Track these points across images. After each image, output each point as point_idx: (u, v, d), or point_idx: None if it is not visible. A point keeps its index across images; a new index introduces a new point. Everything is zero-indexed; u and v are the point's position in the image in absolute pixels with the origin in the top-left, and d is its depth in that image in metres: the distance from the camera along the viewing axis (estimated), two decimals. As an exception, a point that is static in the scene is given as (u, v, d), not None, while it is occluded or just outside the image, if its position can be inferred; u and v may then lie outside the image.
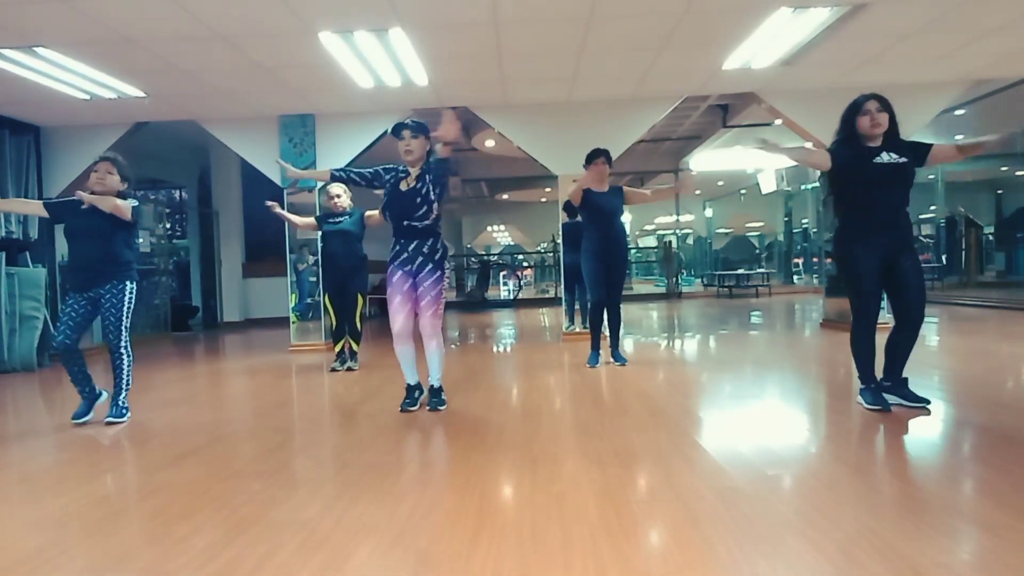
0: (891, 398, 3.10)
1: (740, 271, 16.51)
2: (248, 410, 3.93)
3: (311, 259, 6.73)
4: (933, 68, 5.78)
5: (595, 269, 4.60)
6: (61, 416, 3.67)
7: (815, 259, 15.68)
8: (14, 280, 5.87)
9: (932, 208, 12.84)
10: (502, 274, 18.37)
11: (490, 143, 10.66)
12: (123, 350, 3.46)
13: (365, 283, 5.19)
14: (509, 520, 1.90)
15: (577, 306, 6.62)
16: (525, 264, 20.44)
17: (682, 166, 13.05)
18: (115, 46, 4.56)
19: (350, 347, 5.12)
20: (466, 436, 2.93)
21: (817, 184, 10.56)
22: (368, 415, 3.47)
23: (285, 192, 6.55)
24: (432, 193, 3.29)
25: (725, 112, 9.68)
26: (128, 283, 3.46)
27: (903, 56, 5.44)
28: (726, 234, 22.82)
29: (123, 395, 3.50)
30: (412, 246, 3.36)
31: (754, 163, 13.02)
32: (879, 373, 3.15)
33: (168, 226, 10.79)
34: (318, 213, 5.46)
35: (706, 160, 12.40)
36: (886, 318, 3.17)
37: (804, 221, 17.80)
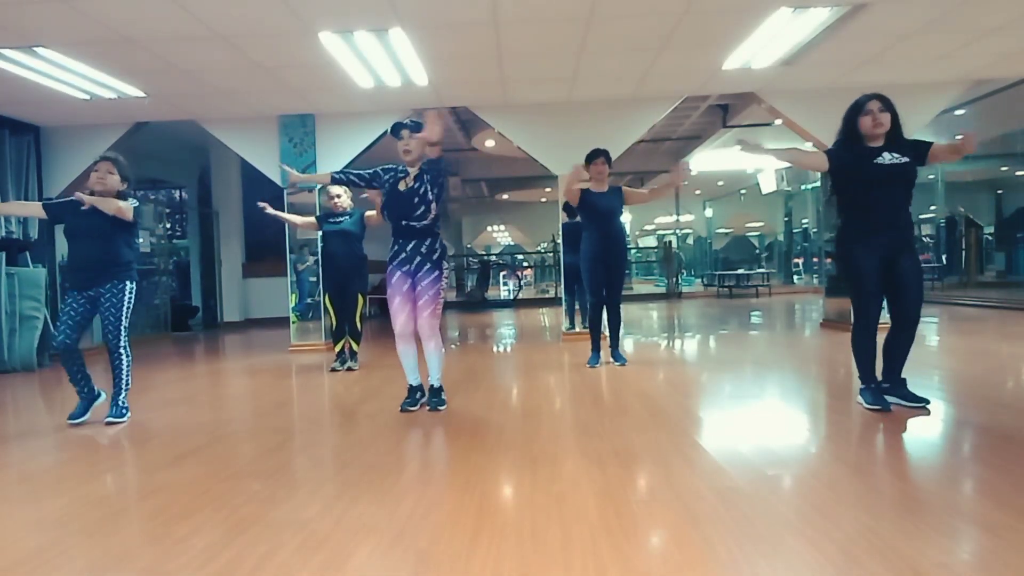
0: (891, 398, 3.10)
1: (740, 271, 16.51)
2: (248, 410, 3.93)
3: (311, 259, 6.73)
4: (933, 68, 5.78)
5: (594, 270, 4.60)
6: (61, 416, 3.67)
7: (815, 259, 15.68)
8: (14, 280, 5.87)
9: (932, 208, 12.83)
10: (502, 274, 18.37)
11: (490, 143, 10.65)
12: (122, 350, 3.46)
13: (365, 283, 5.19)
14: (509, 520, 1.90)
15: (577, 306, 6.62)
16: (525, 264, 20.45)
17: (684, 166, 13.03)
18: (115, 46, 4.56)
19: (350, 347, 5.12)
20: (466, 436, 2.93)
21: (817, 184, 10.56)
22: (368, 415, 3.47)
23: (285, 192, 6.55)
24: (430, 193, 3.30)
25: (725, 112, 9.68)
26: (128, 283, 3.46)
27: (903, 56, 5.44)
28: (726, 234, 22.82)
29: (123, 395, 3.50)
30: (410, 246, 3.36)
31: (754, 163, 13.02)
32: (879, 374, 3.15)
33: (168, 226, 10.79)
34: (318, 213, 5.46)
35: (706, 160, 12.41)
36: (886, 318, 3.17)
37: (804, 221, 17.79)
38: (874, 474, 2.22)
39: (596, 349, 4.77)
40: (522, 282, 17.83)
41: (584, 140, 5.51)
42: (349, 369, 5.03)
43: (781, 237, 19.30)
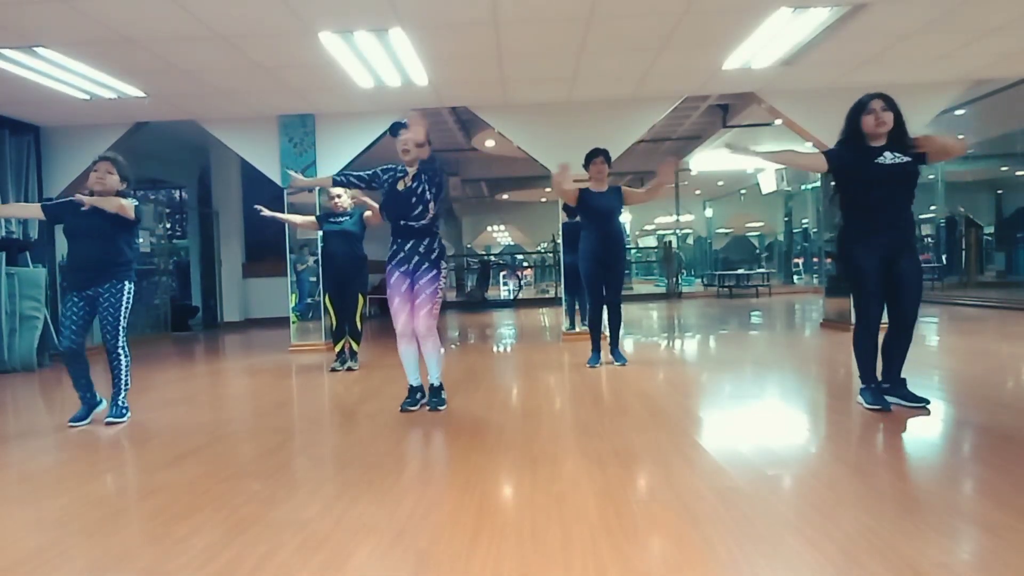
0: (891, 398, 3.10)
1: (740, 271, 16.51)
2: (248, 410, 3.93)
3: (311, 259, 6.73)
4: (933, 68, 5.78)
5: (592, 269, 4.60)
6: (61, 416, 3.67)
7: (815, 259, 15.68)
8: (14, 280, 5.88)
9: (932, 208, 12.83)
10: (502, 274, 18.38)
11: (490, 143, 10.66)
12: (120, 350, 3.46)
13: (365, 283, 5.19)
14: (509, 520, 1.90)
15: (577, 306, 6.62)
16: (525, 264, 20.45)
17: (682, 165, 13.06)
18: (115, 46, 4.56)
19: (350, 347, 5.12)
20: (466, 436, 2.93)
21: (818, 184, 10.55)
22: (368, 415, 3.47)
23: (285, 192, 6.56)
24: (428, 193, 3.29)
25: (725, 112, 9.68)
26: (126, 283, 3.45)
27: (903, 56, 5.44)
28: (726, 234, 22.83)
29: (122, 395, 3.50)
30: (409, 246, 3.36)
31: (754, 163, 13.03)
32: (879, 374, 3.15)
33: (168, 226, 10.79)
34: (318, 213, 5.46)
35: (706, 160, 12.41)
36: (886, 318, 3.17)
37: (804, 221, 17.80)
38: (874, 474, 2.21)
39: (596, 349, 4.77)
40: (522, 282, 17.83)
41: (584, 140, 5.51)
42: (349, 369, 5.03)
43: (781, 237, 19.31)
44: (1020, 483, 2.06)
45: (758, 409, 3.36)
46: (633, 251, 19.60)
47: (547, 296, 15.31)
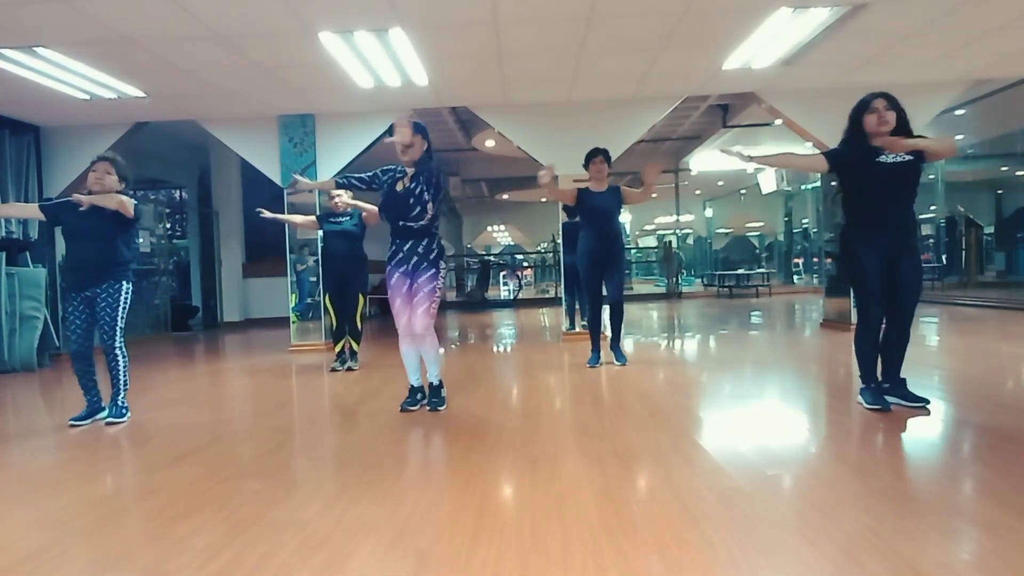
0: (891, 398, 3.10)
1: (740, 271, 16.51)
2: (248, 410, 3.93)
3: (311, 260, 6.73)
4: (933, 68, 5.78)
5: (590, 270, 4.61)
6: (61, 416, 3.67)
7: (815, 259, 15.68)
8: (14, 280, 5.87)
9: (932, 208, 12.83)
10: (502, 274, 18.38)
11: (490, 143, 10.66)
12: (118, 351, 3.45)
13: (365, 283, 5.19)
14: (509, 520, 1.90)
15: (577, 306, 6.62)
16: (525, 264, 20.45)
17: (682, 166, 13.06)
18: (115, 46, 4.56)
19: (350, 347, 5.12)
20: (466, 436, 2.93)
21: (818, 184, 10.55)
22: (368, 415, 3.47)
23: (285, 192, 6.56)
24: (426, 194, 3.30)
25: (725, 112, 9.68)
26: (124, 283, 3.45)
27: (903, 56, 5.44)
28: (726, 234, 22.83)
29: (122, 395, 3.50)
30: (407, 246, 3.37)
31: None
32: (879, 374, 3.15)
33: (168, 226, 10.80)
34: (319, 212, 5.46)
35: (706, 160, 12.42)
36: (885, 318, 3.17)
37: (804, 221, 17.80)
38: (874, 474, 2.21)
39: (596, 349, 4.77)
40: (522, 282, 17.83)
41: (584, 140, 5.51)
42: (349, 369, 5.03)
43: (781, 237, 19.31)
44: (1020, 483, 2.06)
45: (758, 409, 3.36)
46: (633, 251, 19.61)
47: (547, 296, 15.31)
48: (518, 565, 1.61)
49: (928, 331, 6.46)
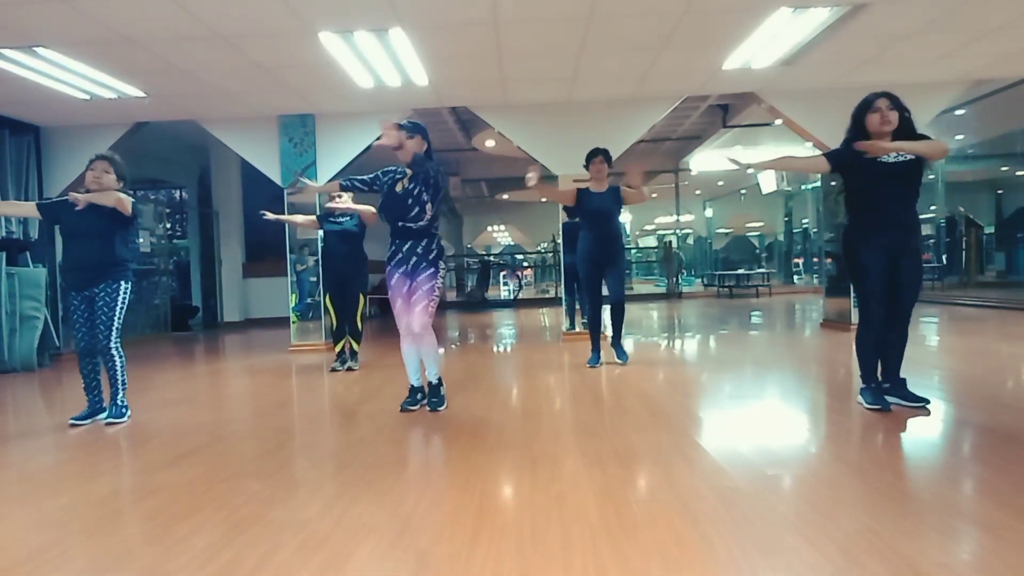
0: (891, 398, 3.10)
1: (740, 271, 16.52)
2: (248, 410, 3.93)
3: (311, 260, 6.73)
4: (933, 68, 5.78)
5: (589, 270, 4.61)
6: (61, 416, 3.67)
7: (815, 259, 15.69)
8: (14, 280, 5.87)
9: (932, 208, 12.84)
10: (502, 274, 18.38)
11: (490, 143, 10.66)
12: (114, 351, 3.44)
13: (366, 283, 5.20)
14: (509, 520, 1.90)
15: (577, 306, 6.62)
16: (525, 264, 20.45)
17: (682, 166, 13.07)
18: (115, 46, 4.56)
19: (350, 347, 5.12)
20: (466, 436, 2.93)
21: (818, 184, 10.54)
22: (368, 415, 3.47)
23: (285, 192, 6.56)
24: (425, 194, 3.30)
25: (725, 112, 9.69)
26: (123, 283, 3.44)
27: (903, 56, 5.44)
28: (726, 234, 22.83)
29: (120, 394, 3.50)
30: (407, 246, 3.37)
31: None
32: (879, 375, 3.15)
33: (168, 226, 10.79)
34: (319, 212, 5.46)
35: (706, 160, 12.42)
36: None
37: (804, 221, 17.80)
38: (874, 474, 2.21)
39: (596, 349, 4.77)
40: (522, 282, 17.83)
41: (584, 140, 5.51)
42: (349, 369, 5.03)
43: (781, 237, 19.32)
44: (1020, 483, 2.06)
45: (758, 409, 3.36)
46: (633, 251, 19.61)
47: (547, 296, 15.31)
48: (518, 565, 1.61)
49: (928, 331, 6.46)
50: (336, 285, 5.08)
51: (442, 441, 2.92)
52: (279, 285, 7.88)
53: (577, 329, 6.52)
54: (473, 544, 1.73)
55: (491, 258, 20.20)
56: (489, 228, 23.78)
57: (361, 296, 5.10)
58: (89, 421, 3.45)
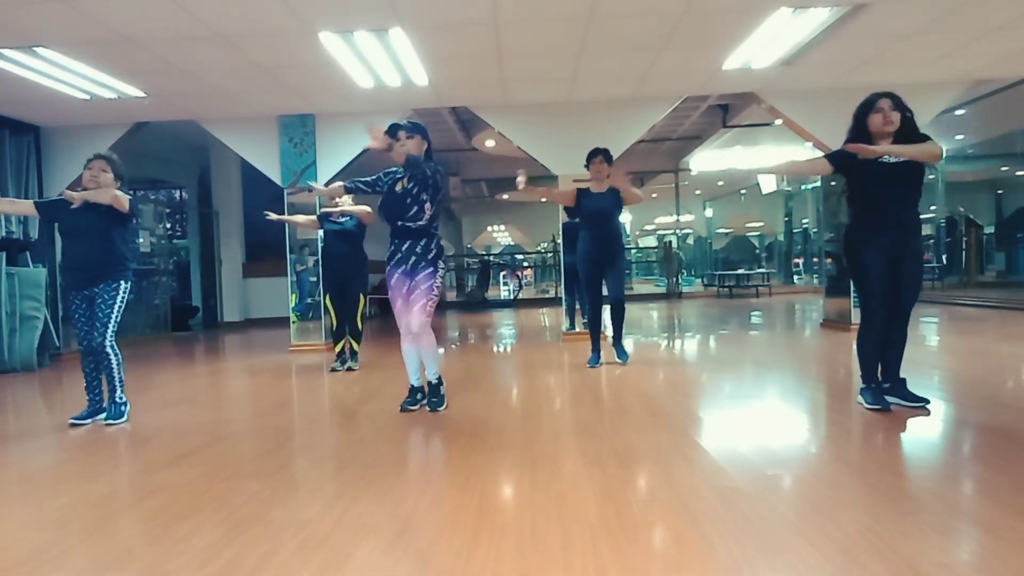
0: (891, 398, 3.10)
1: (740, 271, 16.52)
2: (248, 410, 3.93)
3: (311, 260, 6.74)
4: (933, 68, 5.78)
5: (589, 270, 4.61)
6: (61, 416, 3.67)
7: (815, 259, 15.69)
8: (14, 280, 5.87)
9: (932, 208, 12.85)
10: (502, 274, 18.38)
11: (490, 143, 10.66)
12: (110, 349, 3.43)
13: (366, 283, 5.20)
14: (509, 520, 1.90)
15: (577, 306, 6.62)
16: (525, 264, 20.45)
17: (682, 166, 13.07)
18: (115, 46, 4.56)
19: (351, 347, 5.12)
20: (466, 436, 2.93)
21: (818, 184, 10.54)
22: (368, 415, 3.47)
23: (285, 192, 6.56)
24: (424, 194, 3.30)
25: (725, 112, 9.69)
26: (122, 283, 3.44)
27: (903, 56, 5.44)
28: (726, 234, 22.83)
29: (118, 392, 3.48)
30: (406, 246, 3.37)
31: (754, 164, 13.05)
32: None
33: (168, 226, 10.79)
34: (319, 212, 5.46)
35: (706, 160, 12.42)
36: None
37: (804, 221, 17.81)
38: (874, 474, 2.21)
39: (596, 349, 4.77)
40: (522, 282, 17.83)
41: (584, 140, 5.51)
42: (349, 369, 5.03)
43: (781, 237, 19.32)
44: (1020, 483, 2.06)
45: (758, 409, 3.36)
46: (633, 251, 19.61)
47: (547, 296, 15.31)
48: (518, 565, 1.61)
49: (928, 331, 6.46)
50: (336, 285, 5.08)
51: (442, 441, 2.92)
52: (279, 285, 7.88)
53: (577, 329, 6.52)
54: (473, 544, 1.73)
55: (491, 258, 20.21)
56: (489, 228, 23.78)
57: (361, 296, 5.11)
58: (89, 421, 3.45)
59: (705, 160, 12.44)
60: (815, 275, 15.87)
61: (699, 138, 11.31)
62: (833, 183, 6.70)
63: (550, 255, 16.21)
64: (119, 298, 3.43)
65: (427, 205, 3.32)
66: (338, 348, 5.12)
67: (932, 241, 13.40)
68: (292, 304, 6.74)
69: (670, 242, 16.66)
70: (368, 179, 3.49)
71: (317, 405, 4.02)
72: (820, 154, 3.31)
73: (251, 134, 6.60)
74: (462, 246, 21.11)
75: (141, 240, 9.56)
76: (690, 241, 22.93)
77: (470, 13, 4.30)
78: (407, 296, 3.37)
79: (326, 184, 5.93)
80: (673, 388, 3.94)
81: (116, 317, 3.43)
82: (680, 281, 15.46)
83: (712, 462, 2.39)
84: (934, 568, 1.50)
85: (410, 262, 3.36)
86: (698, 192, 18.93)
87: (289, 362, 5.80)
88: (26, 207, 3.62)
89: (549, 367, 4.93)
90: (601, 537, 1.74)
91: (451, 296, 14.94)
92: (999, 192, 14.79)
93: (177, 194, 11.83)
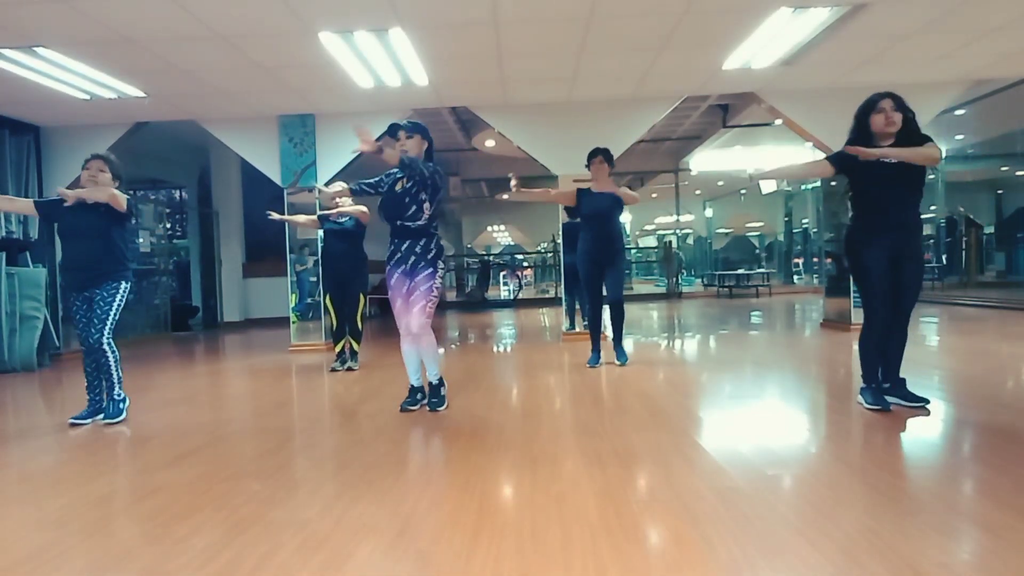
0: (891, 398, 3.10)
1: (740, 271, 16.52)
2: (248, 410, 3.93)
3: (311, 260, 6.74)
4: (933, 68, 5.78)
5: (589, 270, 4.62)
6: (61, 416, 3.67)
7: (815, 259, 15.69)
8: (14, 280, 5.87)
9: (932, 208, 12.84)
10: (502, 274, 18.38)
11: (490, 143, 10.66)
12: (107, 346, 3.42)
13: (366, 283, 5.20)
14: (509, 520, 1.90)
15: (577, 306, 6.62)
16: (525, 264, 20.45)
17: (682, 166, 13.07)
18: (115, 46, 4.56)
19: (351, 347, 5.12)
20: (466, 436, 2.93)
21: (818, 184, 10.53)
22: (368, 415, 3.47)
23: (285, 192, 6.56)
24: (423, 194, 3.30)
25: (725, 112, 9.69)
26: (123, 283, 3.44)
27: (903, 56, 5.44)
28: (726, 234, 22.83)
29: (117, 388, 3.48)
30: (405, 246, 3.37)
31: (754, 164, 13.05)
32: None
33: (168, 226, 10.79)
34: (319, 212, 5.47)
35: (706, 160, 12.42)
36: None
37: (804, 221, 17.81)
38: (874, 474, 2.21)
39: (596, 349, 4.77)
40: (522, 282, 17.83)
41: (584, 140, 5.51)
42: (349, 369, 5.03)
43: (781, 237, 19.32)
44: (1020, 483, 2.06)
45: (758, 409, 3.36)
46: (633, 251, 19.61)
47: (547, 296, 15.31)
48: (518, 565, 1.61)
49: (928, 331, 6.46)
50: (336, 285, 5.08)
51: (442, 441, 2.92)
52: (279, 285, 7.88)
53: (577, 329, 6.52)
54: (473, 544, 1.73)
55: (491, 258, 20.21)
56: (489, 228, 23.77)
57: (361, 296, 5.11)
58: (89, 421, 3.45)
59: (705, 160, 12.44)
60: (815, 275, 15.87)
61: (699, 138, 11.31)
62: (833, 183, 6.70)
63: (550, 255, 16.21)
64: (118, 298, 3.43)
65: (426, 205, 3.32)
66: (338, 348, 5.12)
67: (932, 241, 13.40)
68: (292, 304, 6.74)
69: (670, 242, 16.67)
70: (372, 180, 3.49)
71: (317, 405, 4.02)
72: (821, 155, 3.31)
73: (251, 134, 6.60)
74: (462, 246, 21.11)
75: (141, 240, 9.57)
76: (690, 241, 22.93)
77: (470, 13, 4.30)
78: (407, 296, 3.37)
79: (326, 184, 5.94)
80: (673, 388, 3.94)
81: (114, 315, 3.43)
82: (680, 281, 15.46)
83: (712, 462, 2.39)
84: (934, 568, 1.50)
85: (410, 262, 3.36)
86: (698, 192, 18.93)
87: (289, 362, 5.80)
88: (26, 206, 3.61)
89: (549, 367, 4.93)
90: (601, 537, 1.74)
91: (451, 296, 14.94)
92: (999, 192, 14.79)
93: (177, 194, 11.83)
